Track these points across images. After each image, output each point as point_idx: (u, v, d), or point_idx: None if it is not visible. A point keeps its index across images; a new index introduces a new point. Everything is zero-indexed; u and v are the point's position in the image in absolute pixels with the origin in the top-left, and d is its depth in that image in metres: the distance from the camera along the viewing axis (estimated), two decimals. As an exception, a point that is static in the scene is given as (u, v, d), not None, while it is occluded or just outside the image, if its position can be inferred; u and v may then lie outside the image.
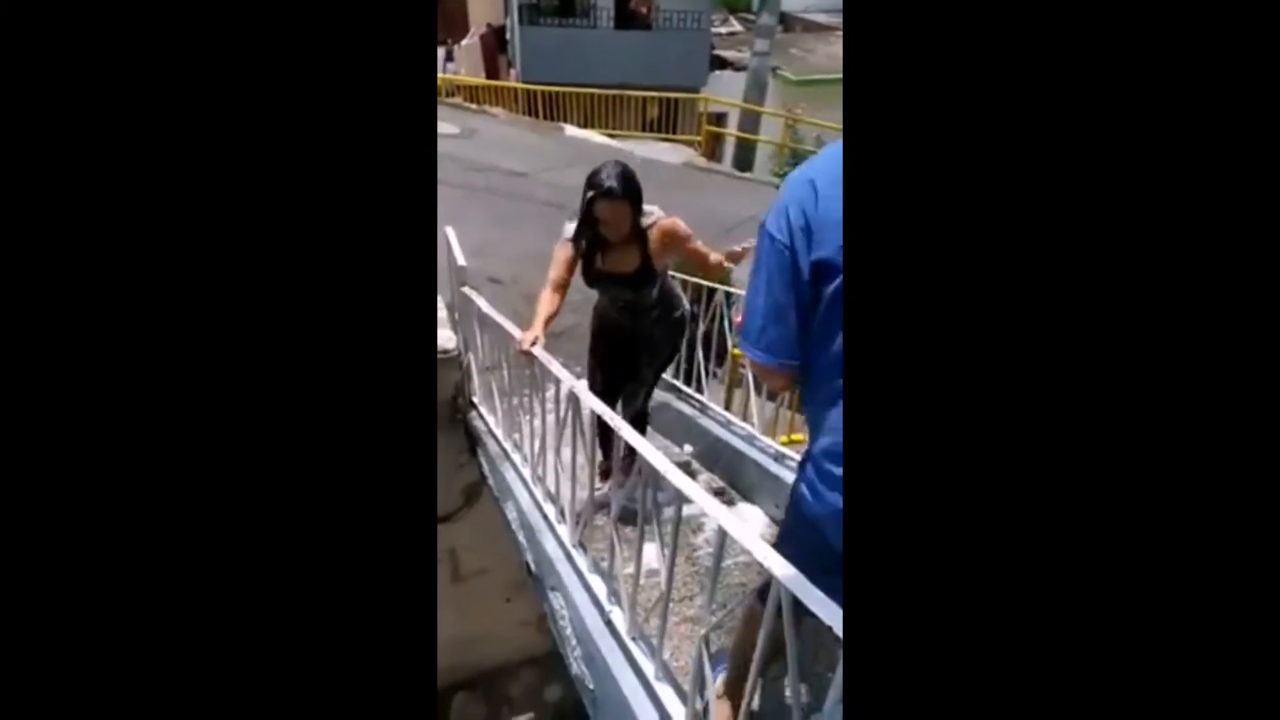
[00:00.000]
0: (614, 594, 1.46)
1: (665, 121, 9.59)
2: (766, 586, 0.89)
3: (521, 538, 2.02)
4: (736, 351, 2.86)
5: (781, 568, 0.84)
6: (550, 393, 1.78)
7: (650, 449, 1.18)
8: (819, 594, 0.79)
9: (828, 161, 0.87)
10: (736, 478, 2.46)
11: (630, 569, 1.30)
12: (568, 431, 1.63)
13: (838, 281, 0.83)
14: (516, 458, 2.17)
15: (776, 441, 2.50)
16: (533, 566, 1.91)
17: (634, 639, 1.34)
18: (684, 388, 2.95)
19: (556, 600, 1.69)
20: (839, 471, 0.87)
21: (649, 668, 1.26)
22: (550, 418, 1.74)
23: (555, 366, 1.70)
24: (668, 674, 1.25)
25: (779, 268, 0.87)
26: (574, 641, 1.59)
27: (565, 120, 9.28)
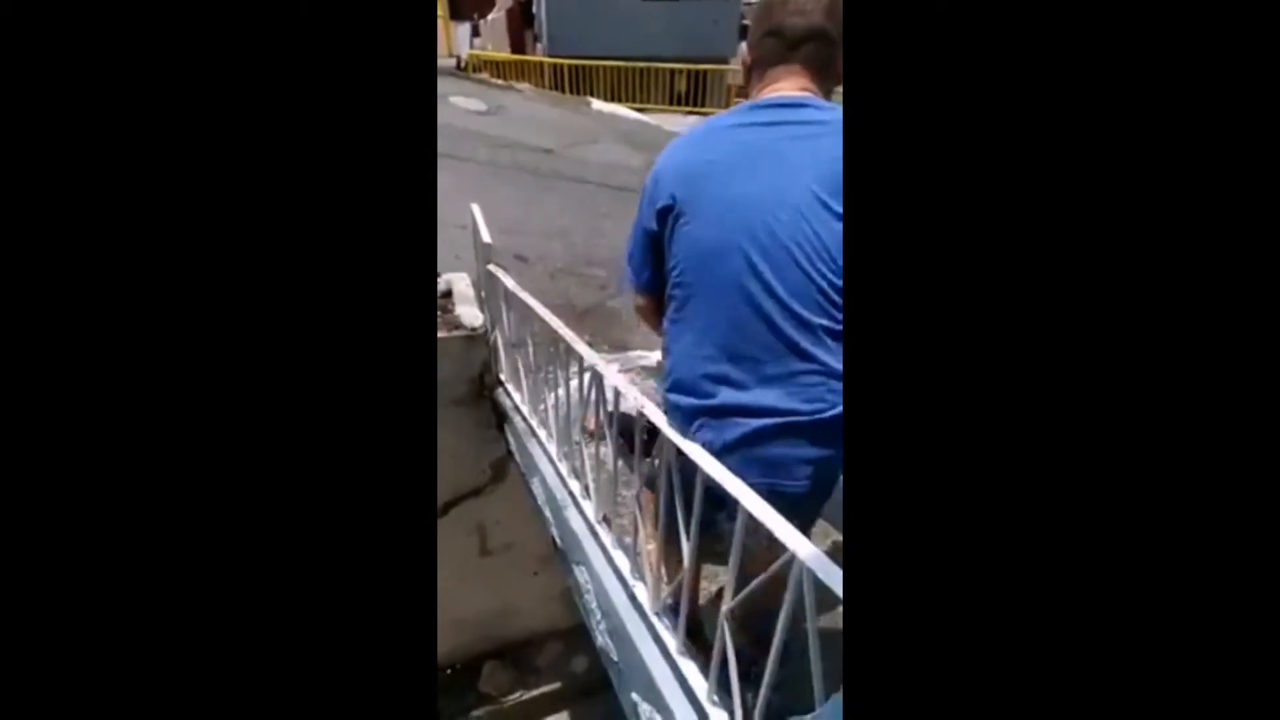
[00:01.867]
0: (637, 569, 1.47)
1: (693, 94, 9.45)
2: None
3: (547, 513, 2.04)
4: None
5: (803, 547, 0.84)
6: (573, 369, 1.78)
7: (671, 429, 1.18)
8: (840, 574, 0.79)
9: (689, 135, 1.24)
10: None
11: (654, 545, 1.31)
12: (590, 409, 1.63)
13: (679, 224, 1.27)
14: (541, 434, 2.19)
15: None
16: (558, 541, 1.94)
17: (657, 614, 1.35)
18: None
19: (581, 575, 1.71)
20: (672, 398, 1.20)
21: (672, 642, 1.27)
22: (575, 396, 1.75)
23: (578, 344, 1.70)
24: (690, 648, 1.26)
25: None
26: (599, 615, 1.61)
27: (592, 94, 9.20)
